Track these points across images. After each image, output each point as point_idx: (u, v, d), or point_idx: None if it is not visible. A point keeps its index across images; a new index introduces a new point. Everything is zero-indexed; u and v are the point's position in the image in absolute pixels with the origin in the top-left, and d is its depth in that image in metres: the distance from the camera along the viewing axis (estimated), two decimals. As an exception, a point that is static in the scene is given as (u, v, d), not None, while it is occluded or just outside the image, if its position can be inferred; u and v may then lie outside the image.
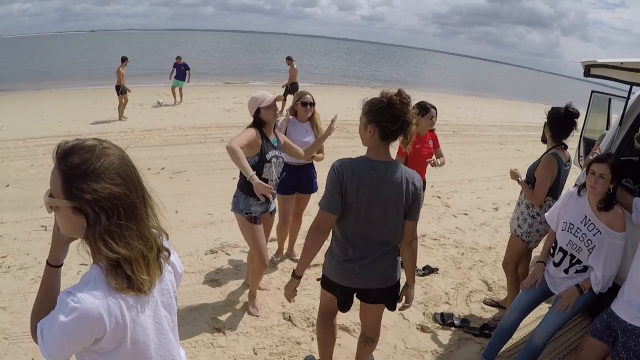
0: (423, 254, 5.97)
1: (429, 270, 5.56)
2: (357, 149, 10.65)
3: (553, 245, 3.71)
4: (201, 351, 3.92)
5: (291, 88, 16.03)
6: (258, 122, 4.14)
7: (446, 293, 5.14)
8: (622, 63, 3.69)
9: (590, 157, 3.92)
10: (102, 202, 1.35)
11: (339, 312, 3.35)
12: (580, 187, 3.55)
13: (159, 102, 17.32)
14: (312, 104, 5.11)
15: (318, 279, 3.27)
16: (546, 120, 4.16)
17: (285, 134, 4.92)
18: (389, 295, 3.16)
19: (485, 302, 5.05)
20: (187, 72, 17.89)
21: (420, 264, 5.60)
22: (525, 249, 4.36)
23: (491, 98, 33.15)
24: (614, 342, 3.15)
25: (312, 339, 4.13)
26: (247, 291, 4.71)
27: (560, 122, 4.08)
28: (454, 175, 9.90)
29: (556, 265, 3.62)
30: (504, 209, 8.06)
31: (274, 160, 4.13)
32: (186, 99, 18.02)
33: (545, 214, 3.94)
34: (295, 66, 16.53)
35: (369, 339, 3.39)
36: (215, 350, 3.94)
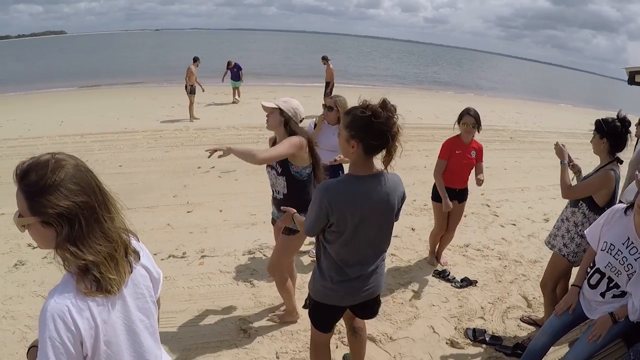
0: (464, 265, 5.85)
1: (467, 283, 5.38)
2: (409, 153, 10.60)
3: (590, 265, 3.40)
4: (224, 351, 3.96)
5: (327, 88, 16.18)
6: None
7: (482, 307, 4.95)
8: None
9: None
10: (64, 212, 1.41)
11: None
12: (628, 206, 3.20)
13: (236, 100, 18.10)
14: (331, 108, 5.10)
15: (305, 306, 3.22)
16: (597, 131, 3.84)
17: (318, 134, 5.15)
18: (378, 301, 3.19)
19: (522, 320, 4.81)
20: (240, 72, 18.26)
21: (459, 276, 5.49)
22: (568, 269, 4.13)
23: (553, 103, 32.06)
24: None
25: (337, 347, 4.09)
26: (276, 295, 4.74)
27: (617, 134, 3.75)
28: (507, 183, 9.61)
29: (592, 287, 3.31)
30: (554, 220, 7.66)
31: (268, 170, 4.02)
32: (244, 99, 18.39)
33: (585, 230, 3.56)
34: (331, 66, 16.36)
35: (358, 328, 3.42)
36: (239, 352, 3.97)
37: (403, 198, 2.88)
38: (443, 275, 5.49)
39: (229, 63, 18.35)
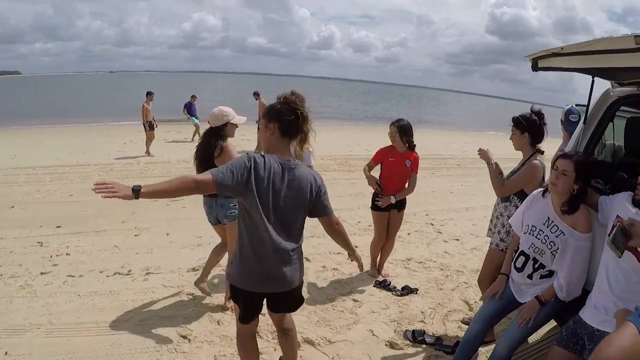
0: (405, 276, 6.11)
1: (407, 291, 5.56)
2: (356, 181, 11.11)
3: (515, 249, 3.53)
4: (164, 355, 4.16)
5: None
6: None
7: (422, 312, 5.15)
8: (562, 48, 3.27)
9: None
10: None
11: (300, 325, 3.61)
12: (545, 189, 3.37)
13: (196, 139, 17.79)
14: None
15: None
16: (516, 127, 4.05)
17: None
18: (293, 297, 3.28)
19: (463, 322, 4.93)
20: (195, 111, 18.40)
21: (399, 285, 5.75)
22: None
23: (502, 133, 33.15)
24: (581, 351, 2.91)
25: (275, 349, 4.26)
26: (217, 304, 5.05)
27: (535, 127, 3.98)
28: (452, 204, 10.06)
29: (519, 270, 3.41)
30: None
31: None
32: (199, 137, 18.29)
33: (509, 219, 3.74)
34: (263, 100, 16.45)
35: (286, 329, 3.50)
36: (178, 356, 4.17)
37: (319, 191, 3.04)
38: (384, 284, 5.73)
39: (192, 97, 18.45)
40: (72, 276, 5.70)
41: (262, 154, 2.90)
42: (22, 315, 4.72)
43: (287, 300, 3.25)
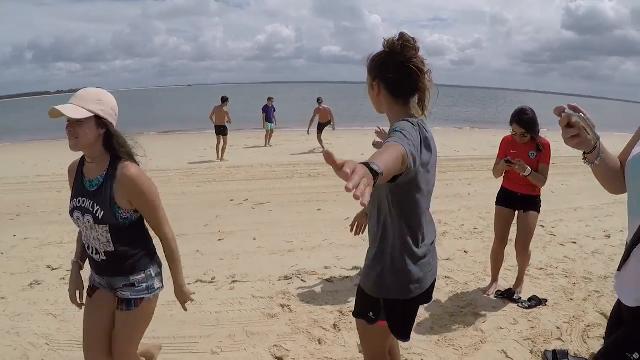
0: (528, 284, 5.12)
1: (536, 302, 4.64)
2: (451, 182, 10.27)
3: None
4: (259, 381, 3.30)
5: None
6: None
7: (558, 328, 4.21)
8: None
9: None
10: None
11: None
12: None
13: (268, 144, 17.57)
14: None
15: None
16: None
17: None
18: None
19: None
20: (272, 114, 17.87)
21: (525, 295, 4.79)
22: None
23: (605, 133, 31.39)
24: None
25: None
26: (316, 318, 4.15)
27: None
28: (558, 205, 8.85)
29: None
30: (617, 236, 7.00)
31: (77, 216, 2.46)
32: (276, 141, 18.18)
33: None
34: (322, 107, 16.34)
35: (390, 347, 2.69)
36: (274, 381, 3.31)
37: None
38: (508, 295, 4.77)
39: (269, 99, 17.95)
40: (153, 283, 4.97)
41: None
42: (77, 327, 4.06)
43: None
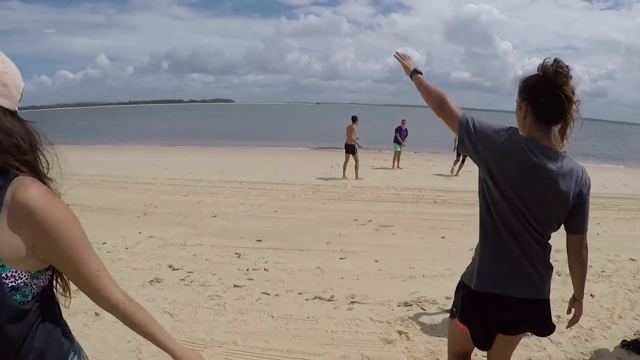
0: None
1: None
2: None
3: None
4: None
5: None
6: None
7: None
8: None
9: None
10: None
11: None
12: None
13: (396, 166, 17.47)
14: None
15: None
16: None
17: None
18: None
19: None
20: (405, 137, 17.67)
21: None
22: None
23: None
24: None
25: None
26: (432, 350, 3.91)
27: None
28: None
29: None
30: None
31: None
32: (402, 165, 17.88)
33: None
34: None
35: None
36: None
37: (587, 190, 2.28)
38: (635, 347, 4.25)
39: (402, 121, 17.83)
40: (267, 294, 5.03)
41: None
42: (205, 329, 4.18)
43: None
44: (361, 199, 11.12)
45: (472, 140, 2.21)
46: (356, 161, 14.59)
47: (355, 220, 8.80)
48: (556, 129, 2.21)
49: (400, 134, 17.46)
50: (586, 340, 4.42)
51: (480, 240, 2.35)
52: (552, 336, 4.37)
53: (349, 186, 12.82)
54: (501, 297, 2.27)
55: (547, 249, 2.31)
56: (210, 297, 4.88)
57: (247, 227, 7.77)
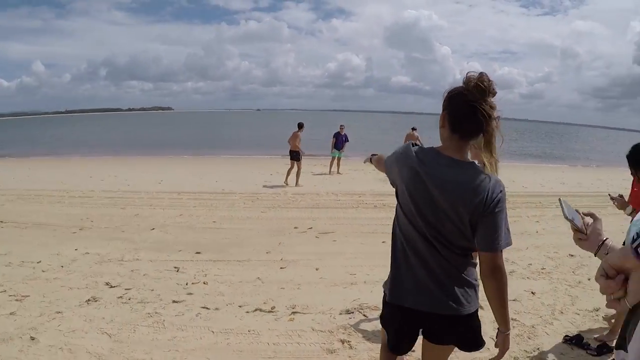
0: (600, 331, 4.68)
1: (605, 349, 4.24)
2: (519, 219, 9.79)
3: None
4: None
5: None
6: None
7: None
8: None
9: None
10: None
11: None
12: None
13: (334, 171, 17.53)
14: None
15: None
16: None
17: None
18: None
19: None
20: (345, 143, 17.86)
21: (594, 341, 4.40)
22: None
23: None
24: None
25: None
26: (376, 358, 3.91)
27: None
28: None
29: None
30: None
31: None
32: (343, 170, 18.05)
33: None
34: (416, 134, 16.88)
35: None
36: None
37: (492, 204, 2.16)
38: (577, 341, 4.42)
39: (341, 127, 17.96)
40: (207, 308, 4.91)
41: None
42: (145, 349, 4.03)
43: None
44: (301, 205, 11.12)
45: (389, 177, 2.40)
46: (298, 168, 14.64)
47: (296, 227, 8.77)
48: (478, 143, 2.26)
49: (338, 140, 17.60)
50: (529, 338, 4.54)
51: (391, 253, 2.41)
52: (495, 335, 4.49)
53: (289, 193, 12.81)
54: (412, 310, 2.29)
55: (464, 263, 2.29)
56: (149, 314, 4.73)
57: (186, 240, 7.64)
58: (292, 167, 14.66)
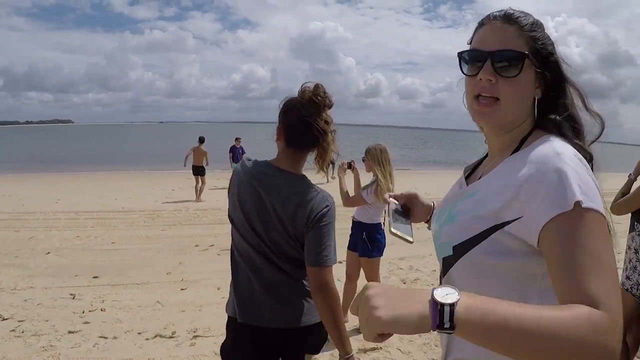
0: None
1: None
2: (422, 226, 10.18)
3: None
4: None
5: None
6: None
7: None
8: None
9: None
10: None
11: None
12: None
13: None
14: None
15: None
16: None
17: None
18: None
19: None
20: (243, 155, 17.80)
21: None
22: (637, 309, 3.35)
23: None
24: None
25: None
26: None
27: None
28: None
29: None
30: None
31: None
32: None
33: None
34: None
35: None
36: None
37: (315, 218, 2.14)
38: None
39: (237, 140, 17.86)
40: (105, 337, 4.77)
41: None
42: None
43: None
44: (203, 222, 11.08)
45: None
46: (203, 183, 14.63)
47: (197, 245, 8.71)
48: (312, 155, 2.28)
49: (235, 153, 17.55)
50: (436, 346, 4.73)
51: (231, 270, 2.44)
52: (401, 345, 4.68)
53: (191, 209, 12.73)
54: (244, 324, 2.32)
55: (303, 274, 2.25)
56: (43, 348, 4.52)
57: (82, 263, 7.37)
58: (197, 183, 14.61)
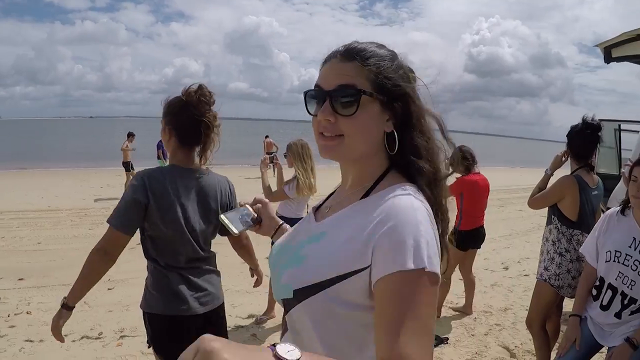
0: None
1: (437, 341, 4.84)
2: None
3: (597, 284, 2.91)
4: None
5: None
6: None
7: None
8: None
9: (629, 164, 3.33)
10: None
11: None
12: (623, 205, 2.86)
13: None
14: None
15: None
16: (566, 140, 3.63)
17: None
18: None
19: None
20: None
21: None
22: (555, 299, 3.61)
23: (486, 167, 32.93)
24: None
25: None
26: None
27: (579, 138, 3.50)
28: (456, 240, 9.45)
29: (604, 308, 2.82)
30: (514, 267, 7.63)
31: None
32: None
33: (580, 248, 3.17)
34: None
35: None
36: None
37: (232, 195, 2.70)
38: (437, 341, 4.95)
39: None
40: (31, 341, 4.83)
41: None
42: None
43: None
44: (133, 219, 10.95)
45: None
46: (127, 179, 14.50)
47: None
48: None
49: (162, 149, 17.41)
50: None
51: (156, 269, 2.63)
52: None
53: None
54: (196, 315, 2.51)
55: (213, 256, 2.73)
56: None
57: (7, 265, 7.27)
58: (127, 180, 14.47)
